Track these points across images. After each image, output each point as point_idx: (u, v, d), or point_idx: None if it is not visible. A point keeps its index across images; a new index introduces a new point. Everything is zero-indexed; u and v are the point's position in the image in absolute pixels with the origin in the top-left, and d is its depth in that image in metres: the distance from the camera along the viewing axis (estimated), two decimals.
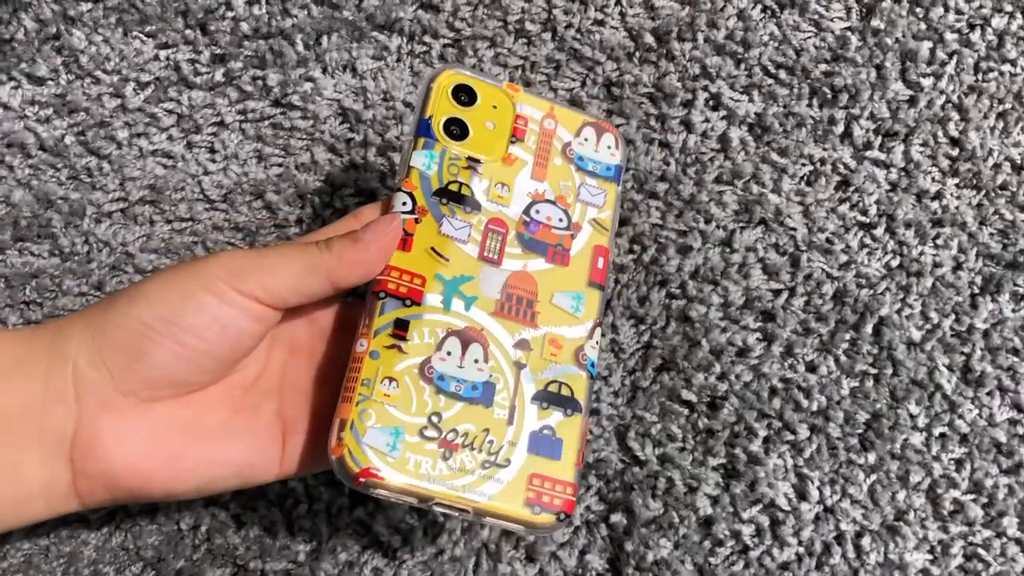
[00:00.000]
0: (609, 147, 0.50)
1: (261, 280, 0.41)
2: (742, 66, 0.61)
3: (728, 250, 0.59)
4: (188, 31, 0.59)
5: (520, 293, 0.45)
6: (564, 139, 0.49)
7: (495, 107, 0.48)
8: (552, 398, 0.44)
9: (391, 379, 0.41)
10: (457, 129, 0.47)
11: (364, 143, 0.59)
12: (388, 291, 0.43)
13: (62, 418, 0.40)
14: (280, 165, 0.59)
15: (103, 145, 0.58)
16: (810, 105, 0.61)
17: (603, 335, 0.46)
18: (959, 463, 0.57)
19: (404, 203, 0.45)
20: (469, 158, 0.47)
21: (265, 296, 0.41)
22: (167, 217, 0.58)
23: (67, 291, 0.56)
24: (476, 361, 0.43)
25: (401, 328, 0.42)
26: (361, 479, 0.40)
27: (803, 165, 0.60)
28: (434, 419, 0.41)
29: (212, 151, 0.58)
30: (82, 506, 0.42)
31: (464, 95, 0.47)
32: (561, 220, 0.47)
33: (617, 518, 0.55)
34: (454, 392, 0.42)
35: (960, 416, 0.57)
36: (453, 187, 0.46)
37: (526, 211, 0.47)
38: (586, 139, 0.49)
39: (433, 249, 0.44)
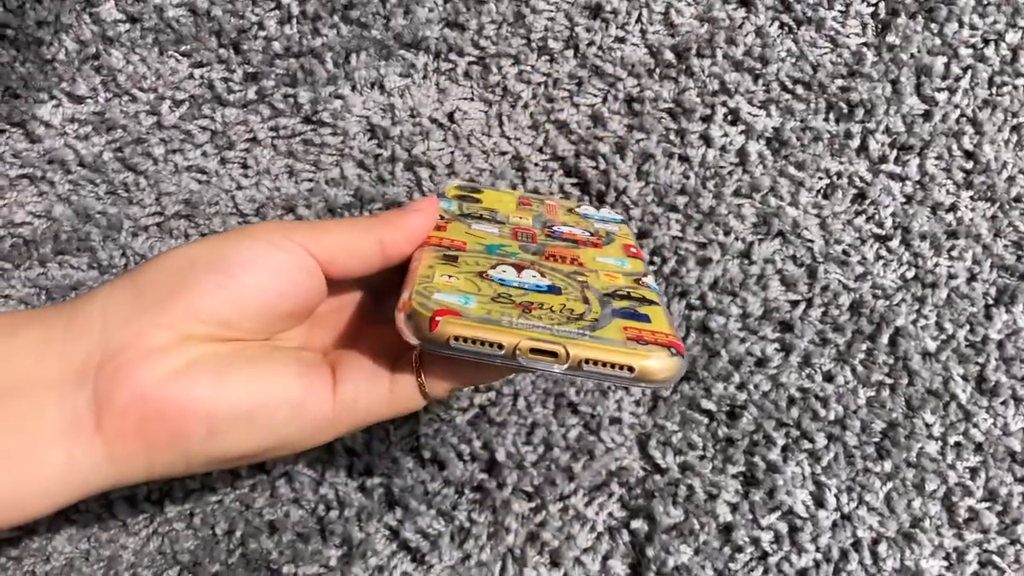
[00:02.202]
0: (610, 209, 0.54)
1: (314, 235, 0.39)
2: (760, 82, 0.60)
3: (747, 262, 0.58)
4: (222, 50, 0.59)
5: (562, 253, 0.44)
6: (566, 209, 0.52)
7: (500, 200, 0.52)
8: (625, 295, 0.39)
9: (450, 275, 0.38)
10: (468, 199, 0.51)
11: (392, 158, 0.59)
12: (432, 245, 0.42)
13: (85, 352, 0.35)
14: (311, 180, 0.59)
15: (140, 161, 0.58)
16: (827, 119, 0.60)
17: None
18: (974, 471, 0.56)
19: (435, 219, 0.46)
20: (482, 209, 0.49)
21: (318, 250, 0.39)
22: (201, 231, 0.58)
23: None
24: (535, 276, 0.40)
25: (451, 259, 0.40)
26: (437, 318, 0.34)
27: (820, 178, 0.60)
28: (506, 295, 0.37)
29: (245, 167, 0.58)
30: (110, 462, 0.35)
31: (468, 198, 0.51)
32: (585, 230, 0.49)
33: (638, 524, 0.55)
34: (521, 285, 0.38)
35: (975, 425, 0.57)
36: (474, 213, 0.49)
37: (549, 226, 0.49)
38: (586, 206, 0.53)
39: (467, 232, 0.45)
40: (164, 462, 0.36)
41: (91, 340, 0.35)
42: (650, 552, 0.55)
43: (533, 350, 0.34)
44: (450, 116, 0.60)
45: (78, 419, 0.34)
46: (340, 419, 0.39)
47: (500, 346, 0.34)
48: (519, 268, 0.40)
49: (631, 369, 0.34)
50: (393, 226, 0.41)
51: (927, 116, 0.61)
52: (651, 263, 0.59)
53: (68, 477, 0.35)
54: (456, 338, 0.34)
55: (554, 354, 0.34)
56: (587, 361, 0.34)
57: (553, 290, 0.38)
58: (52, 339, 0.35)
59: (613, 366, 0.34)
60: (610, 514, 0.56)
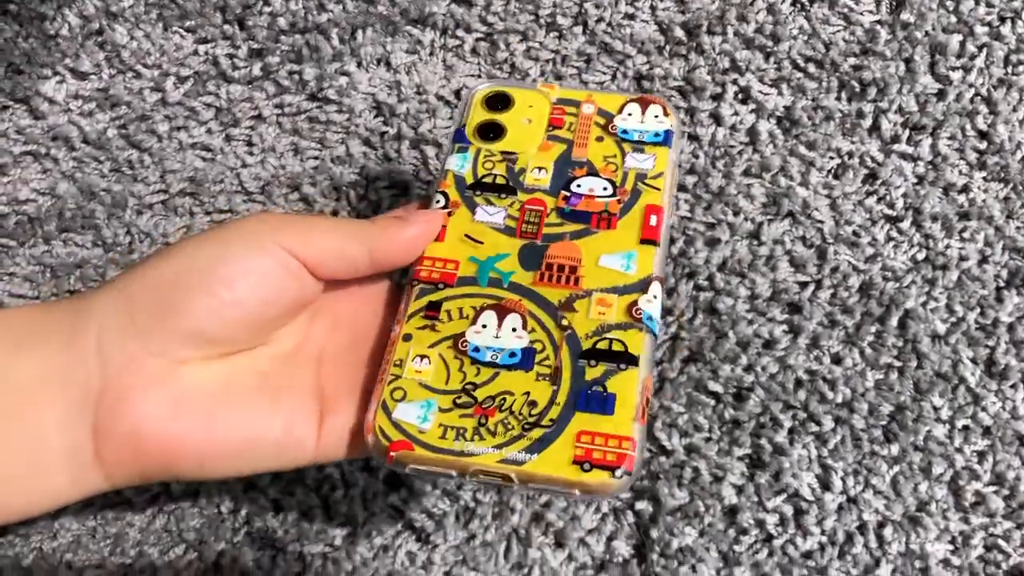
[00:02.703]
0: (656, 116, 0.45)
1: (302, 235, 0.39)
2: (771, 60, 0.59)
3: (756, 243, 0.58)
4: (226, 26, 0.58)
5: (562, 261, 0.41)
6: (606, 118, 0.46)
7: (531, 106, 0.46)
8: (601, 355, 0.39)
9: (423, 356, 0.39)
10: (492, 132, 0.45)
11: (398, 136, 0.58)
12: (421, 279, 0.41)
13: (85, 379, 0.36)
14: (316, 158, 0.58)
15: (144, 138, 0.57)
16: (838, 98, 0.59)
17: (665, 290, 0.40)
18: (981, 455, 0.56)
19: (438, 201, 0.43)
20: (503, 152, 0.45)
21: (305, 252, 0.38)
22: (206, 208, 0.57)
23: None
24: (514, 330, 0.39)
25: (433, 309, 0.40)
26: (392, 453, 0.37)
27: (831, 158, 0.59)
28: (468, 387, 0.38)
29: (250, 144, 0.58)
30: (108, 481, 0.38)
31: (499, 103, 0.46)
32: (605, 189, 0.44)
33: (643, 506, 0.55)
34: (490, 361, 0.39)
35: (983, 409, 0.56)
36: (487, 179, 0.44)
37: (566, 186, 0.44)
38: (630, 114, 0.46)
39: (467, 235, 0.42)
40: (157, 480, 0.40)
41: (89, 368, 0.36)
42: (654, 533, 0.54)
43: (481, 474, 0.36)
44: (457, 93, 0.59)
45: (79, 446, 0.36)
46: (325, 455, 0.40)
47: (451, 474, 0.36)
48: (502, 314, 0.40)
49: (577, 486, 0.36)
50: (386, 239, 0.40)
51: (941, 95, 0.60)
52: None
53: (70, 494, 0.38)
54: (413, 464, 0.36)
55: (504, 476, 0.36)
56: (533, 481, 0.36)
57: (524, 362, 0.38)
58: (53, 362, 0.36)
59: (559, 483, 0.36)
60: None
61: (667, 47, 0.60)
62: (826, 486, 0.55)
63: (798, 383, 0.56)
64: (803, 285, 0.58)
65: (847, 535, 0.55)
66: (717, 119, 0.59)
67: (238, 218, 0.39)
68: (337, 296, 0.44)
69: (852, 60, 0.59)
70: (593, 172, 0.44)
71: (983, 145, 0.59)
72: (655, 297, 0.40)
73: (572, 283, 0.41)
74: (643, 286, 0.40)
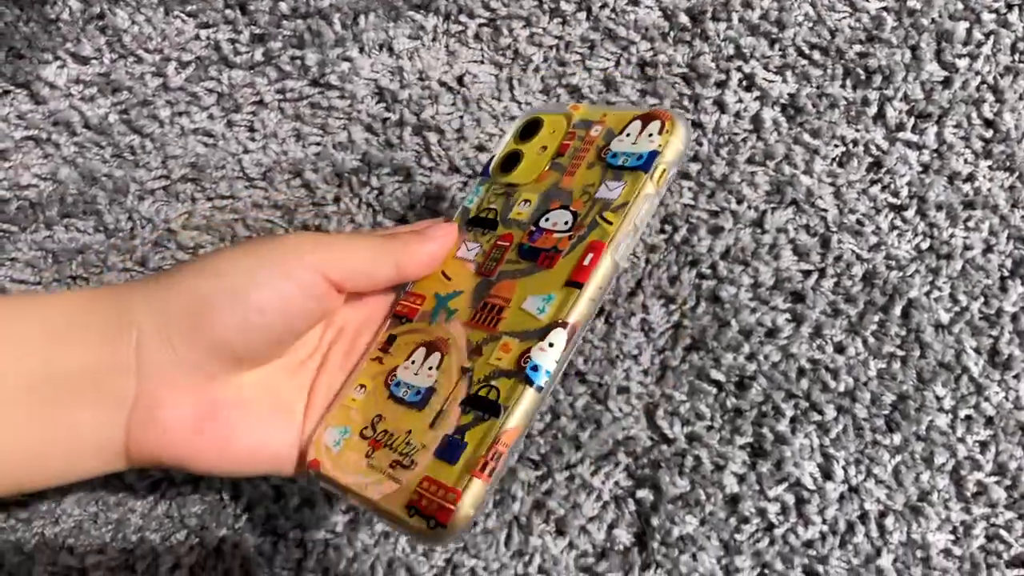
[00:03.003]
0: (651, 135, 0.42)
1: (332, 256, 0.41)
2: (776, 46, 0.58)
3: (759, 231, 0.57)
4: (228, 11, 0.57)
5: (496, 301, 0.41)
6: (608, 140, 0.43)
7: (552, 131, 0.46)
8: (476, 402, 0.39)
9: (362, 386, 0.43)
10: (509, 163, 0.46)
11: (400, 122, 0.57)
12: (396, 312, 0.45)
13: (122, 385, 0.39)
14: (318, 144, 0.57)
15: (146, 123, 0.56)
16: (843, 86, 0.58)
17: (574, 336, 0.38)
18: (984, 445, 0.55)
19: None
20: (507, 184, 0.46)
21: (334, 272, 0.41)
22: (208, 195, 0.57)
23: (112, 267, 0.56)
24: (431, 368, 0.41)
25: (389, 343, 0.44)
26: (310, 469, 0.41)
27: (835, 146, 0.58)
28: (375, 420, 0.41)
29: (252, 130, 0.57)
30: (128, 466, 0.42)
31: (529, 131, 0.47)
32: (566, 223, 0.42)
33: (644, 494, 0.54)
34: (400, 397, 0.41)
35: (986, 399, 0.56)
36: (483, 214, 0.45)
37: (535, 221, 0.43)
38: (628, 134, 0.43)
39: (443, 272, 0.44)
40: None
41: (127, 374, 0.39)
42: (655, 522, 0.54)
43: (356, 500, 0.40)
44: (460, 79, 0.58)
45: (111, 441, 0.40)
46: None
47: (341, 491, 0.40)
48: (430, 351, 0.42)
49: (404, 527, 0.38)
50: (412, 252, 0.43)
51: (947, 83, 0.59)
52: (662, 231, 0.57)
53: (94, 473, 0.41)
54: (321, 480, 0.41)
55: (366, 504, 0.39)
56: (381, 513, 0.39)
57: (421, 402, 0.40)
58: (92, 363, 0.39)
59: (394, 521, 0.38)
60: (616, 483, 0.55)
61: (671, 33, 0.59)
62: (828, 475, 0.55)
63: (800, 372, 0.56)
64: (806, 274, 0.57)
65: (848, 524, 0.54)
66: (721, 106, 0.58)
67: (273, 238, 0.41)
68: (350, 304, 0.45)
69: (858, 47, 0.59)
70: (566, 204, 0.42)
71: (989, 133, 0.59)
72: (551, 345, 0.38)
73: (492, 324, 0.40)
74: (543, 333, 0.38)
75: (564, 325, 0.38)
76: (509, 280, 0.42)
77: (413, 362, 0.42)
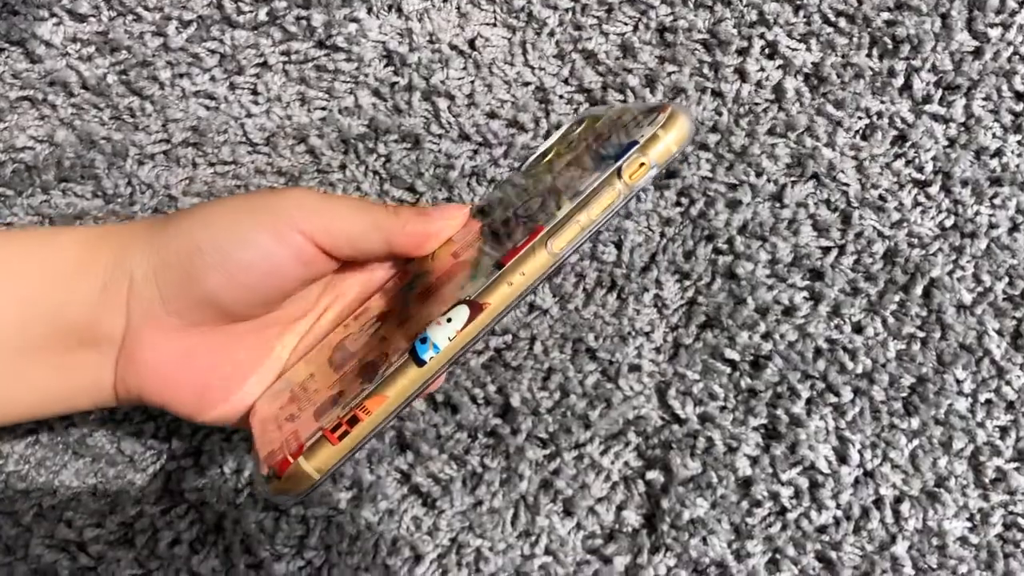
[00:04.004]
0: (642, 127, 0.37)
1: (324, 222, 0.40)
2: (801, 13, 0.55)
3: (778, 205, 0.54)
4: None
5: (440, 280, 0.39)
6: (610, 132, 0.40)
7: (587, 125, 0.44)
8: (367, 368, 0.37)
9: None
10: (539, 159, 0.45)
11: (409, 87, 0.54)
12: (390, 283, 0.44)
13: (114, 326, 0.40)
14: (324, 109, 0.54)
15: (146, 85, 0.53)
16: (870, 55, 0.55)
17: (479, 317, 0.34)
18: (1004, 430, 0.53)
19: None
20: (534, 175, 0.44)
21: (324, 239, 0.40)
22: (210, 160, 0.54)
23: None
24: (368, 336, 0.41)
25: (362, 312, 0.43)
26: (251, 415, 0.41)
27: (859, 118, 0.55)
28: (307, 379, 0.41)
29: (255, 93, 0.54)
30: (117, 403, 0.43)
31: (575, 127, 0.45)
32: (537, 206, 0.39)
33: (654, 475, 0.52)
34: (334, 359, 0.40)
35: (1008, 383, 0.53)
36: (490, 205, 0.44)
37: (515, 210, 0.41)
38: (625, 126, 0.39)
39: (433, 253, 0.42)
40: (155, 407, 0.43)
41: (119, 318, 0.40)
42: (665, 504, 0.52)
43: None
44: (471, 43, 0.55)
45: (102, 378, 0.41)
46: None
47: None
48: (377, 321, 0.41)
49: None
50: (408, 232, 0.41)
51: (977, 53, 0.55)
52: (678, 204, 0.54)
53: (85, 408, 0.43)
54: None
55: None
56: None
57: (342, 365, 0.39)
58: (93, 307, 0.40)
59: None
60: (626, 464, 0.53)
61: None
62: (843, 459, 0.53)
63: (817, 352, 0.53)
64: (826, 250, 0.54)
65: (863, 510, 0.52)
66: (742, 75, 0.55)
67: (272, 193, 0.41)
68: (354, 270, 0.45)
69: (885, 15, 0.55)
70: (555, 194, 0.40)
71: (1019, 107, 0.55)
72: (449, 321, 0.35)
73: (425, 303, 0.38)
74: (448, 308, 0.36)
75: (468, 302, 0.35)
76: (463, 260, 0.39)
77: (363, 330, 0.41)
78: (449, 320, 0.35)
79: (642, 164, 0.36)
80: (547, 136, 0.43)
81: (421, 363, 0.34)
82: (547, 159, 0.44)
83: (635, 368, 0.53)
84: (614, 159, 0.36)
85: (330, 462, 0.34)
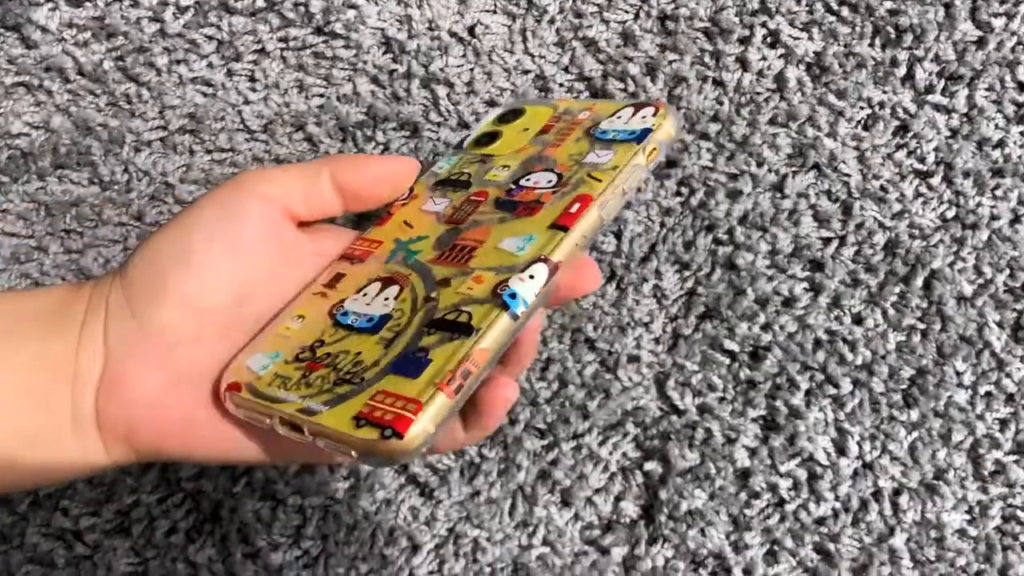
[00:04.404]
0: (644, 116, 0.40)
1: (270, 184, 0.38)
2: (803, 2, 0.54)
3: (779, 195, 0.53)
4: None
5: (466, 242, 0.38)
6: (594, 122, 0.41)
7: (535, 118, 0.43)
8: (442, 324, 0.35)
9: (300, 317, 0.38)
10: (486, 139, 0.43)
11: (408, 74, 0.53)
12: (345, 255, 0.40)
13: (91, 359, 0.37)
14: (322, 96, 0.53)
15: (142, 71, 0.53)
16: (872, 45, 0.54)
17: (553, 277, 0.35)
18: (1003, 423, 0.53)
19: (404, 193, 0.42)
20: (483, 155, 0.42)
21: (274, 199, 0.37)
22: (207, 147, 0.53)
23: (107, 221, 0.52)
24: (387, 299, 0.37)
25: (336, 280, 0.39)
26: (225, 392, 0.36)
27: (861, 108, 0.54)
28: (316, 345, 0.36)
29: (253, 80, 0.53)
30: (109, 456, 0.37)
31: (509, 116, 0.44)
32: (550, 181, 0.39)
33: (652, 466, 0.52)
34: (348, 324, 0.37)
35: (1008, 375, 0.53)
36: (455, 177, 0.41)
37: (515, 180, 0.40)
38: (619, 117, 0.41)
39: (405, 221, 0.40)
40: (150, 459, 0.39)
41: (95, 350, 0.37)
42: (663, 495, 0.51)
43: (285, 424, 0.34)
44: (471, 30, 0.54)
45: (85, 417, 0.36)
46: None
47: (264, 420, 0.35)
48: (386, 284, 0.38)
49: (347, 442, 0.32)
50: (353, 168, 0.39)
51: (980, 43, 0.55)
52: (678, 194, 0.53)
53: (80, 467, 0.37)
54: (239, 407, 0.35)
55: (300, 429, 0.34)
56: (320, 435, 0.33)
57: (377, 325, 0.36)
58: (71, 347, 0.37)
59: (336, 438, 0.33)
60: (624, 454, 0.52)
61: None
62: (842, 451, 0.52)
63: (817, 343, 0.53)
64: (826, 241, 0.54)
65: (861, 502, 0.52)
66: (744, 64, 0.54)
67: (223, 183, 0.38)
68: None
69: (888, 4, 0.54)
70: (550, 168, 0.40)
71: (1022, 98, 0.54)
72: (532, 278, 0.35)
73: (463, 262, 0.37)
74: (525, 266, 0.36)
75: (547, 261, 0.36)
76: (483, 226, 0.38)
77: (365, 294, 0.38)
78: (532, 277, 0.35)
79: (655, 148, 0.39)
80: (478, 121, 0.43)
81: (515, 317, 0.34)
82: (501, 141, 0.43)
83: (634, 359, 0.53)
84: (635, 140, 0.39)
85: (446, 417, 0.33)
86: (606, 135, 0.40)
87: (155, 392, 0.36)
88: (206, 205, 0.37)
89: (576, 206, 0.37)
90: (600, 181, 0.38)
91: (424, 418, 0.32)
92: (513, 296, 0.35)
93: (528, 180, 0.40)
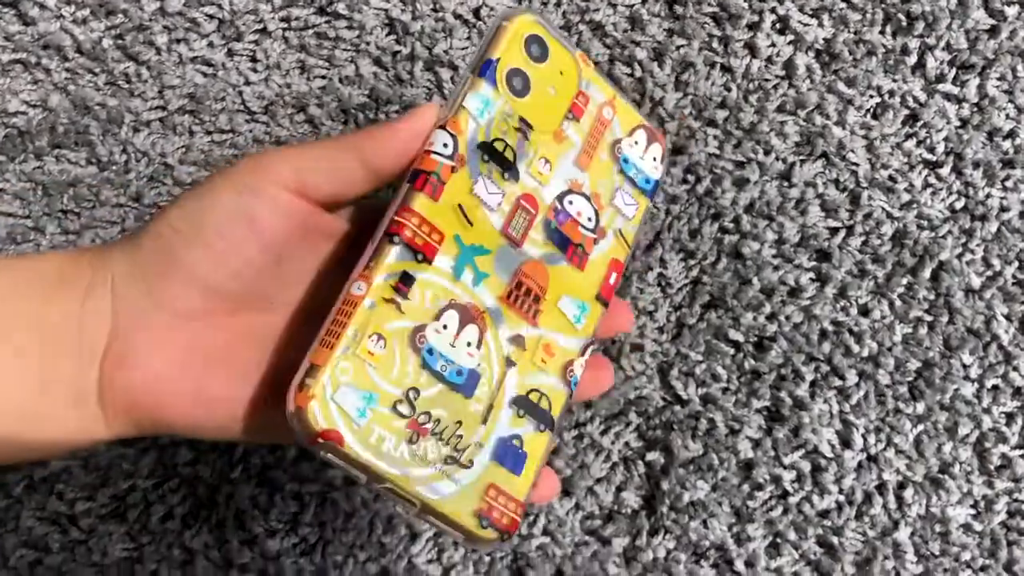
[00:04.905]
0: (655, 159, 0.41)
1: (290, 163, 0.36)
2: None
3: (786, 184, 0.52)
4: None
5: (531, 284, 0.37)
6: (616, 134, 0.40)
7: (561, 73, 0.39)
8: (530, 407, 0.37)
9: (380, 336, 0.33)
10: (519, 83, 0.38)
11: (411, 56, 0.52)
12: (403, 237, 0.34)
13: (97, 330, 0.36)
14: (324, 77, 0.52)
15: (142, 50, 0.51)
16: (883, 32, 0.53)
17: (592, 353, 0.38)
18: (1010, 417, 0.52)
19: (445, 144, 0.36)
20: (522, 119, 0.38)
21: (294, 179, 0.35)
22: (207, 128, 0.52)
23: (105, 201, 0.51)
24: (469, 344, 0.36)
25: (406, 283, 0.34)
26: (320, 439, 0.32)
27: (871, 96, 0.53)
28: (411, 395, 0.34)
29: (254, 60, 0.52)
30: (109, 430, 0.36)
31: (536, 48, 0.38)
32: (590, 220, 0.39)
33: (655, 456, 0.51)
34: (439, 371, 0.35)
35: (1015, 368, 0.52)
36: (498, 145, 0.37)
37: (559, 198, 0.38)
38: (636, 142, 0.41)
39: (460, 207, 0.36)
40: (152, 433, 0.38)
41: (103, 321, 0.36)
42: (665, 485, 0.50)
43: (395, 493, 0.34)
44: (476, 12, 0.53)
45: (87, 391, 0.36)
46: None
47: (371, 477, 0.33)
48: (464, 320, 0.36)
49: (468, 536, 0.35)
50: (376, 138, 0.36)
51: (993, 32, 0.53)
52: (684, 181, 0.52)
53: (78, 438, 0.36)
54: (333, 455, 0.33)
55: (412, 501, 0.34)
56: (435, 515, 0.34)
57: (467, 386, 0.35)
58: (74, 312, 0.36)
59: (455, 526, 0.35)
60: (626, 444, 0.51)
61: None
62: (846, 443, 0.51)
63: (823, 334, 0.52)
64: (833, 231, 0.53)
65: (865, 495, 0.51)
66: (752, 50, 0.53)
67: (237, 162, 0.36)
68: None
69: None
70: (585, 194, 0.39)
71: None
72: (584, 364, 0.39)
73: (531, 315, 0.37)
74: (583, 348, 0.39)
75: (592, 344, 0.39)
76: (541, 264, 0.38)
77: (446, 327, 0.35)
78: (585, 363, 0.39)
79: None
80: (490, 44, 0.37)
81: (570, 396, 0.39)
82: (533, 98, 0.38)
83: (637, 347, 0.52)
84: (649, 196, 0.41)
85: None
86: (628, 168, 0.40)
87: (163, 367, 0.36)
88: (223, 184, 0.36)
89: (613, 276, 0.40)
90: (627, 244, 0.41)
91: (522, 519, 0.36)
92: (575, 383, 0.38)
93: (571, 204, 0.39)
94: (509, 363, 0.36)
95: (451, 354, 0.35)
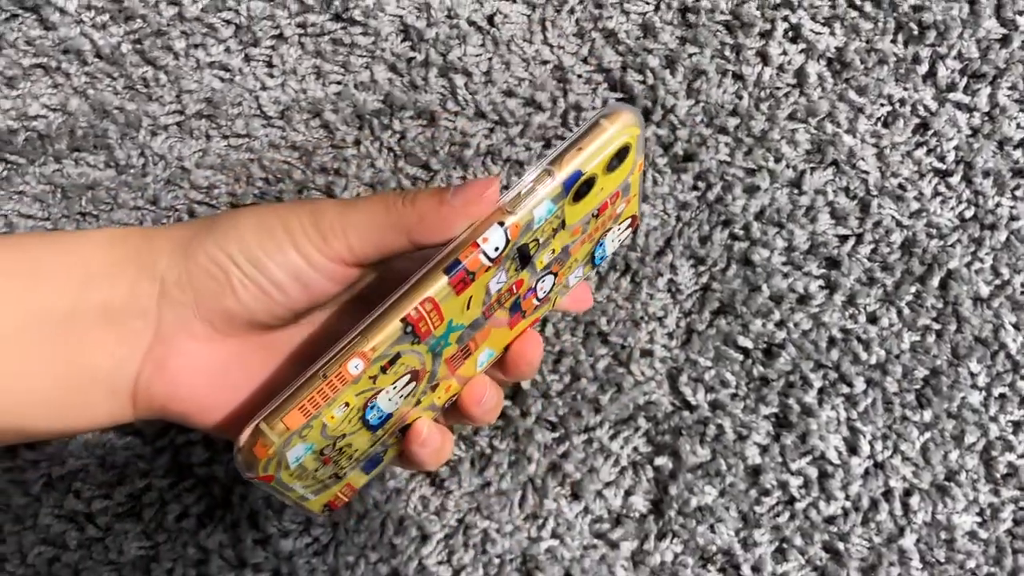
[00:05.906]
0: (619, 240, 0.40)
1: (347, 240, 0.37)
2: None
3: (796, 192, 0.51)
4: None
5: (472, 346, 0.37)
6: (607, 227, 0.38)
7: (620, 173, 0.36)
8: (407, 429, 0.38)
9: (346, 404, 0.34)
10: (585, 190, 0.35)
11: (425, 63, 0.51)
12: (412, 322, 0.33)
13: (140, 330, 0.37)
14: (339, 83, 0.52)
15: (160, 55, 0.51)
16: (894, 41, 0.52)
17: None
18: (1017, 425, 0.51)
19: (496, 248, 0.33)
20: (560, 220, 0.35)
21: (349, 256, 0.37)
22: (223, 132, 0.51)
23: (122, 204, 0.51)
24: (401, 396, 0.36)
25: (392, 363, 0.34)
26: (256, 479, 0.34)
27: (881, 105, 0.52)
28: (339, 440, 0.35)
29: (270, 65, 0.51)
30: (135, 416, 0.38)
31: (617, 159, 0.35)
32: (545, 293, 0.38)
33: (663, 461, 0.50)
34: (367, 420, 0.35)
35: (1023, 377, 0.51)
36: (532, 247, 0.35)
37: (538, 279, 0.37)
38: (619, 228, 0.39)
39: (470, 298, 0.35)
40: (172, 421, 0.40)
41: (148, 322, 0.37)
42: (673, 490, 0.50)
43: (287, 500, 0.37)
44: (490, 19, 0.52)
45: (122, 388, 0.37)
46: None
47: (276, 494, 0.36)
48: (410, 380, 0.36)
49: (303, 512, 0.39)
50: (427, 225, 0.36)
51: (1004, 41, 0.53)
52: (695, 188, 0.52)
53: (104, 423, 0.38)
54: (257, 484, 0.35)
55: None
56: (295, 506, 0.38)
57: (378, 425, 0.36)
58: (118, 307, 0.37)
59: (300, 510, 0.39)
60: (635, 449, 0.51)
61: None
62: (853, 450, 0.51)
63: (831, 342, 0.51)
64: (843, 239, 0.52)
65: (872, 501, 0.50)
66: (764, 58, 0.52)
67: (284, 207, 0.38)
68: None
69: (912, 0, 0.52)
70: (556, 272, 0.38)
71: None
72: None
73: (456, 367, 0.37)
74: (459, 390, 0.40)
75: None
76: (489, 329, 0.37)
77: (395, 387, 0.35)
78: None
79: None
80: (588, 149, 0.34)
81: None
82: (582, 203, 0.35)
83: (647, 353, 0.51)
84: (591, 263, 0.40)
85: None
86: (599, 249, 0.39)
87: (202, 373, 0.38)
88: (286, 240, 0.36)
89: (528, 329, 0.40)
90: (549, 306, 0.40)
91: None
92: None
93: (543, 282, 0.38)
94: (417, 403, 0.37)
95: (384, 406, 0.36)
